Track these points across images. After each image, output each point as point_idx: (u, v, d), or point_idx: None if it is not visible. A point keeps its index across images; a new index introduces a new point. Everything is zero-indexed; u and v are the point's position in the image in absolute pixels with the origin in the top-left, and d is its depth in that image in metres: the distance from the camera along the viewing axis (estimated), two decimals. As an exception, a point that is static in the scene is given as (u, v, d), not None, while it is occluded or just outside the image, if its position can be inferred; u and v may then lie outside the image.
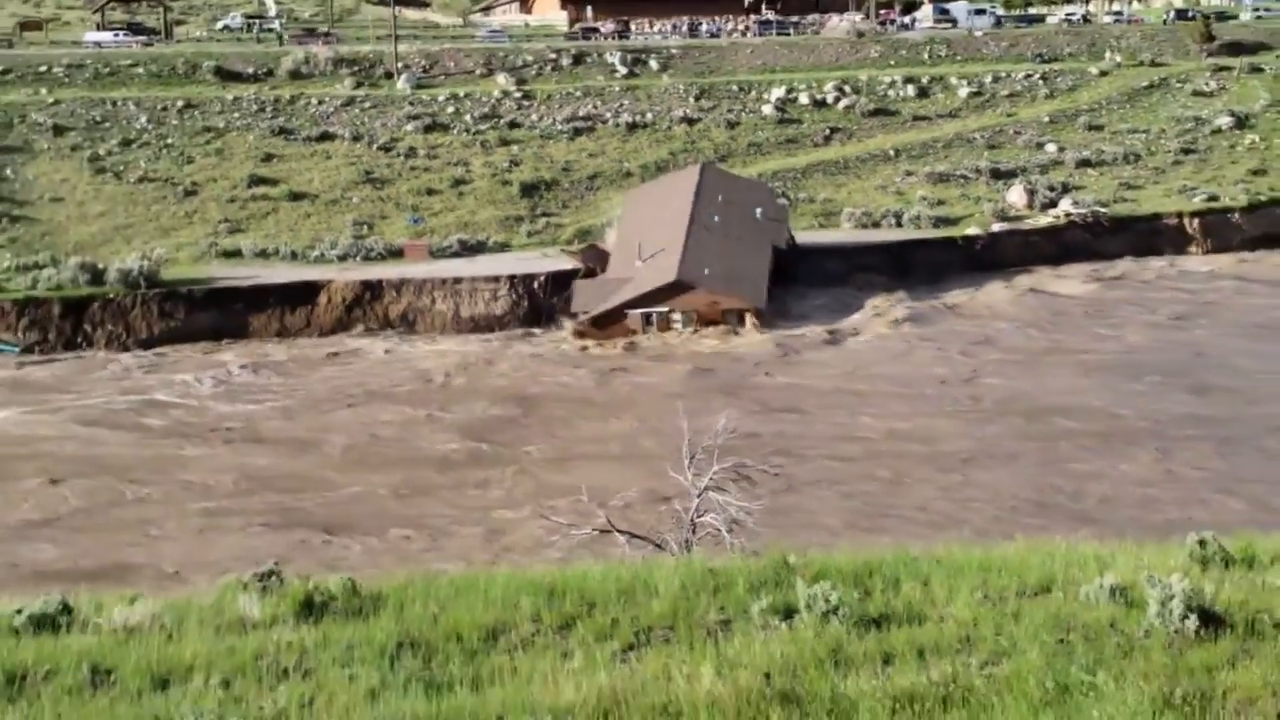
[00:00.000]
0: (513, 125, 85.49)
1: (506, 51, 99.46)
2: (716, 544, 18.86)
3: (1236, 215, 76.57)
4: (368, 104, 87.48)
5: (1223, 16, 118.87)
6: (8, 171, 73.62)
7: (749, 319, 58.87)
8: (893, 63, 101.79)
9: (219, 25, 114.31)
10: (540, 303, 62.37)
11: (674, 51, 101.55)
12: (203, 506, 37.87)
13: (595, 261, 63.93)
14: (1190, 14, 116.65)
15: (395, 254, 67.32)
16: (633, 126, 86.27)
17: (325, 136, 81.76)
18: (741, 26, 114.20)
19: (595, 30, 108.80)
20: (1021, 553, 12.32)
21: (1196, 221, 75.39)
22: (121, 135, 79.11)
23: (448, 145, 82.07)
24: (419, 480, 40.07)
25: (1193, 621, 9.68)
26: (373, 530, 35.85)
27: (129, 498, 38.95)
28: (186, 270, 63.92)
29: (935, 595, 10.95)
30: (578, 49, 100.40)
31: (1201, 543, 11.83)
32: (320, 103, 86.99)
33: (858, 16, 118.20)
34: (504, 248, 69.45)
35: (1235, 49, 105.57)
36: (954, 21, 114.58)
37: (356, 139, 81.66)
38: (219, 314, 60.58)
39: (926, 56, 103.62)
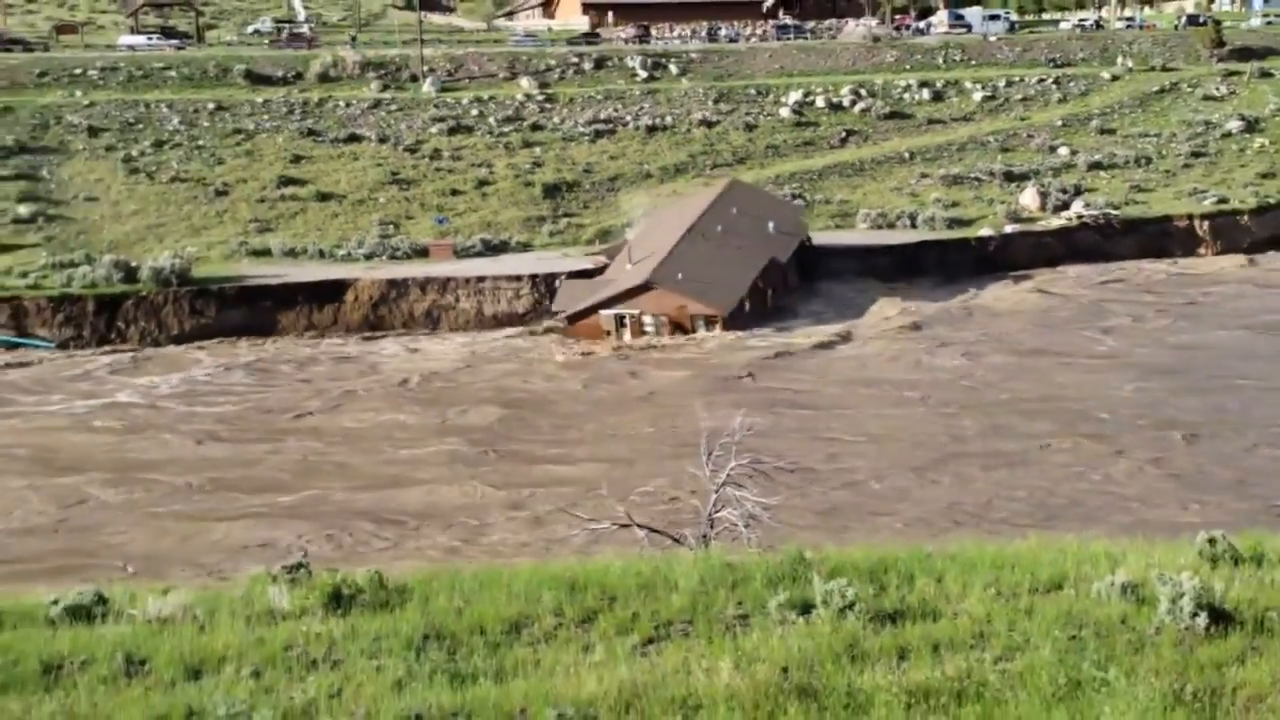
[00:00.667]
0: (535, 127, 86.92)
1: (529, 55, 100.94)
2: (734, 539, 18.98)
3: (1245, 217, 77.66)
4: (394, 106, 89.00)
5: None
6: (44, 172, 75.19)
7: (716, 326, 58.38)
8: (908, 67, 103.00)
9: (249, 29, 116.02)
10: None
11: (693, 56, 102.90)
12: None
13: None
14: (1201, 20, 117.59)
15: (421, 253, 68.81)
16: (653, 129, 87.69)
17: (352, 138, 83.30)
18: (760, 31, 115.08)
19: (596, 36, 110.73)
20: (1034, 550, 12.45)
21: (1206, 224, 76.51)
22: (154, 136, 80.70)
23: (472, 147, 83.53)
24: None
25: (1203, 619, 9.82)
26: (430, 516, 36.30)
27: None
28: (217, 268, 65.39)
29: (949, 591, 11.11)
30: (599, 53, 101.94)
31: (1211, 541, 11.96)
32: (348, 105, 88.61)
33: (874, 22, 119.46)
34: (526, 248, 70.89)
35: (1245, 54, 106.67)
36: (968, 27, 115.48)
37: (383, 141, 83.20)
38: (249, 311, 62.09)
39: (941, 61, 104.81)
